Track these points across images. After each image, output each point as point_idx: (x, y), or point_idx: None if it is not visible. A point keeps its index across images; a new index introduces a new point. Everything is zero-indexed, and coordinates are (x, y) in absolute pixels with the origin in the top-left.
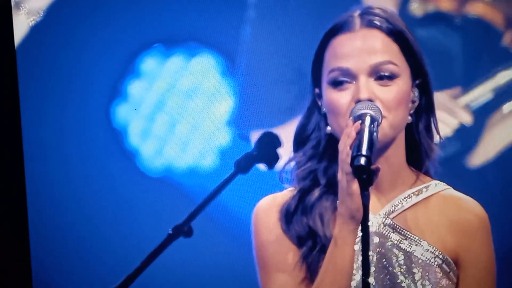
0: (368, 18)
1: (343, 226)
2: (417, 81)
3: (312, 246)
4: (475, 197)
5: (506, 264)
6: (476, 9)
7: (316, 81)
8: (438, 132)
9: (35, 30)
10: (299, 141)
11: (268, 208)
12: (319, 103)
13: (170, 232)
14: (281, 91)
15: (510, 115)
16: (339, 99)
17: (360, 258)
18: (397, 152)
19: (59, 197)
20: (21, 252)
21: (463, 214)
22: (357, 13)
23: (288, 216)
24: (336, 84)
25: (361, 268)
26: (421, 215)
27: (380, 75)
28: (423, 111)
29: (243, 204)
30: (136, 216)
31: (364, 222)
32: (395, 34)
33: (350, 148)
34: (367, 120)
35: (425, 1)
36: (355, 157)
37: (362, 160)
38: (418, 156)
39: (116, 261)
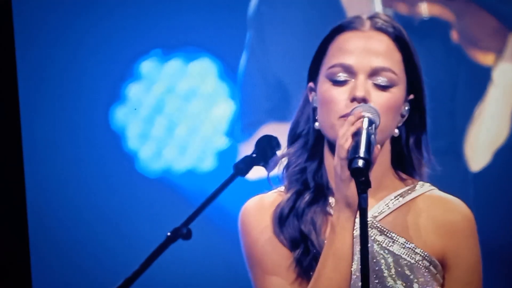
0: (377, 21)
1: (340, 213)
2: (411, 96)
3: (304, 250)
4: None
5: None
6: (430, 10)
7: (313, 74)
8: (428, 150)
9: (34, 32)
10: (292, 137)
11: (257, 209)
12: (310, 98)
13: (169, 234)
14: (278, 93)
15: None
16: (336, 95)
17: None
18: (382, 157)
19: (59, 198)
20: (21, 252)
21: (448, 215)
22: (365, 15)
23: (281, 219)
24: (336, 80)
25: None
26: (407, 217)
27: (378, 80)
28: (415, 128)
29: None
30: (135, 218)
31: (363, 226)
32: (401, 42)
33: (352, 137)
34: (365, 122)
35: (385, 6)
36: (353, 159)
37: (360, 163)
38: (406, 169)
39: (114, 264)
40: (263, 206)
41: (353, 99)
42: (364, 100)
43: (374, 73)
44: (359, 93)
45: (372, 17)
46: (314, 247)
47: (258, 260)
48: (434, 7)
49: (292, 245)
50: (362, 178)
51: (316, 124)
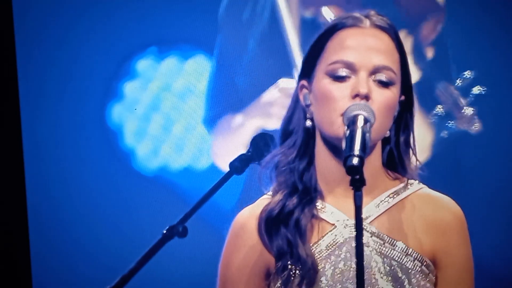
0: (376, 19)
1: None
2: (401, 98)
3: (289, 258)
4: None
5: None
6: None
7: (307, 72)
8: (415, 150)
9: (34, 32)
10: (284, 135)
11: (244, 224)
12: (301, 96)
13: (165, 232)
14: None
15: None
16: (338, 92)
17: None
18: (374, 157)
19: (56, 195)
20: (21, 252)
21: (439, 213)
22: (360, 13)
23: (268, 225)
24: (336, 75)
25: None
26: (398, 217)
27: (378, 78)
28: (405, 128)
29: (238, 205)
30: (131, 216)
31: (358, 224)
32: (399, 42)
33: None
34: (360, 120)
35: None
36: (347, 157)
37: (355, 160)
38: (396, 169)
39: (111, 261)
40: (252, 219)
41: (356, 96)
42: (367, 97)
43: (375, 70)
44: (363, 90)
45: (369, 15)
46: (298, 254)
47: (227, 285)
48: None
49: (278, 253)
50: (356, 176)
51: (308, 122)
